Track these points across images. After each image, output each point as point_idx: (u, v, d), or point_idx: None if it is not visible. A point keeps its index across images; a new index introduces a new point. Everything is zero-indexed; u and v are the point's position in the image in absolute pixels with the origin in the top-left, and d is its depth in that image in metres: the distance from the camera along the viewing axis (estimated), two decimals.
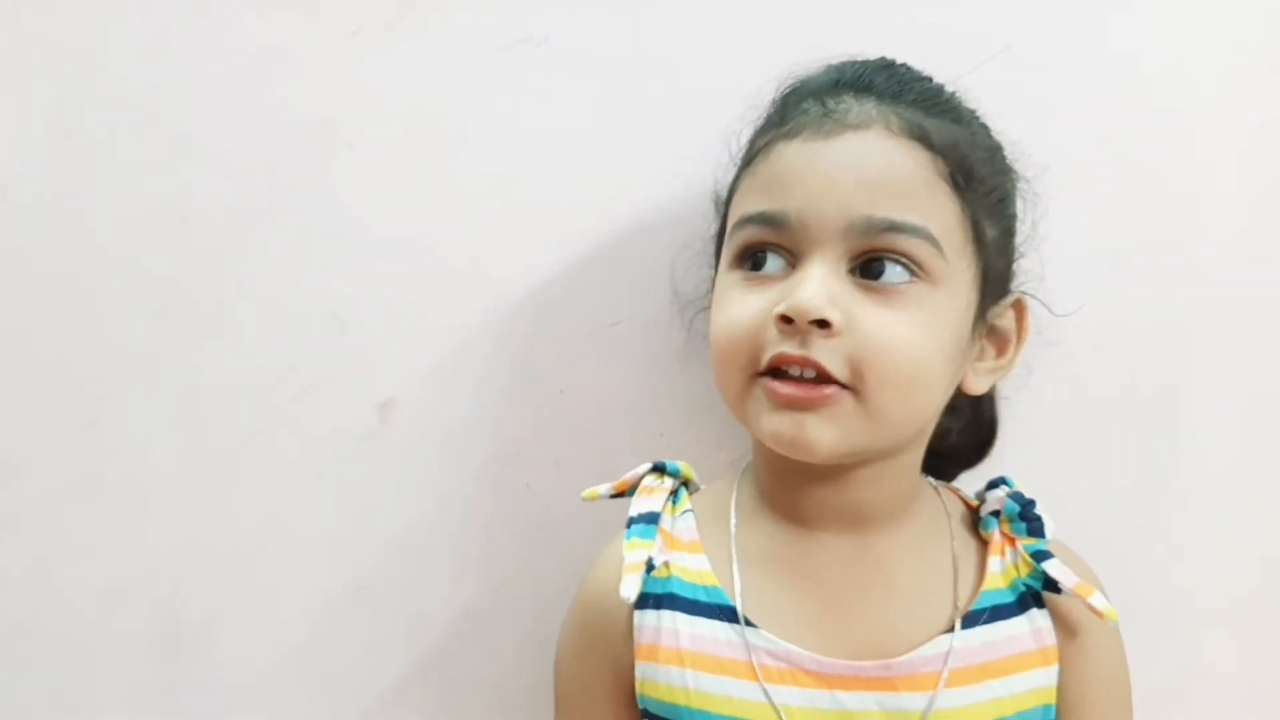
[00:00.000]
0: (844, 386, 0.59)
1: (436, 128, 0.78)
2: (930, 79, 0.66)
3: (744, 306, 0.62)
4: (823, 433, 0.60)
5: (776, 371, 0.60)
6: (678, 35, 0.78)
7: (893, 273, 0.60)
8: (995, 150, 0.66)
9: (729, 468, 0.73)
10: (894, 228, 0.59)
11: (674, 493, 0.68)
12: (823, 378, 0.59)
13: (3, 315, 0.80)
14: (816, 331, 0.58)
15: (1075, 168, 0.72)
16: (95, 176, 0.79)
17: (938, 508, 0.69)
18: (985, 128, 0.67)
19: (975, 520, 0.69)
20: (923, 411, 0.63)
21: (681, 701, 0.63)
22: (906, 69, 0.66)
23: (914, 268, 0.60)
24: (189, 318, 0.79)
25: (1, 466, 0.80)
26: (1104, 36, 0.77)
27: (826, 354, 0.59)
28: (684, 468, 0.70)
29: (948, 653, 0.63)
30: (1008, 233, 0.67)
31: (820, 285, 0.59)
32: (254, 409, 0.79)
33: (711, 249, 0.72)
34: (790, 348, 0.59)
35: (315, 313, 0.79)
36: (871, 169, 0.60)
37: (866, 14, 0.76)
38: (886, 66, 0.66)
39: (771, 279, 0.62)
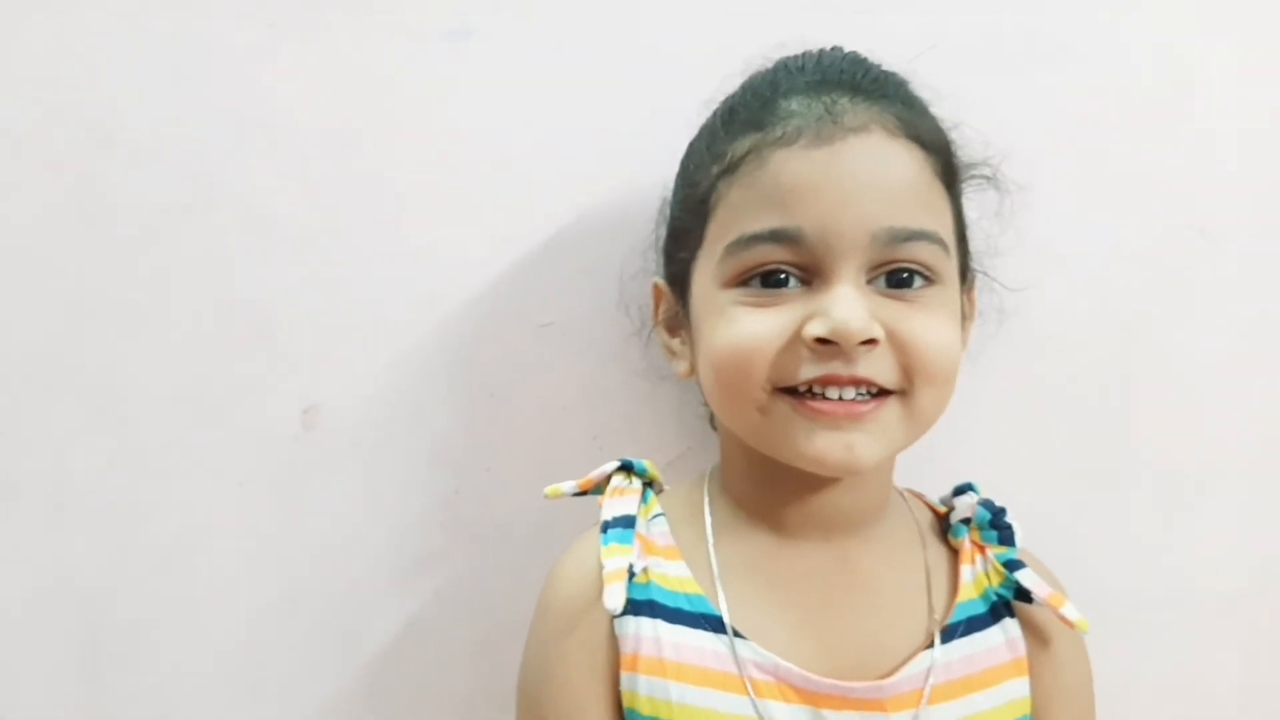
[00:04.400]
0: (891, 392, 0.59)
1: (361, 123, 0.76)
2: (893, 71, 0.64)
3: (759, 325, 0.59)
4: (869, 449, 0.59)
5: (809, 391, 0.59)
6: (611, 29, 0.76)
7: (915, 281, 0.60)
8: (953, 142, 0.65)
9: (664, 471, 0.71)
10: (914, 236, 0.59)
11: (641, 494, 0.66)
12: (867, 390, 0.59)
13: None
14: (861, 349, 0.58)
15: (1016, 161, 0.70)
16: (6, 171, 0.76)
17: (906, 514, 0.68)
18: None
19: (943, 527, 0.68)
20: (947, 406, 0.63)
21: (664, 715, 0.60)
22: (868, 61, 0.64)
23: (929, 273, 0.60)
24: (107, 319, 0.77)
25: None
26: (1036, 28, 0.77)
27: (875, 368, 0.58)
28: (650, 467, 0.68)
29: (929, 668, 0.62)
30: (965, 221, 0.67)
31: (856, 304, 0.58)
32: (176, 413, 0.77)
33: (657, 252, 0.70)
34: (838, 368, 0.58)
35: (239, 314, 0.77)
36: (885, 176, 0.59)
37: (795, 6, 0.75)
38: (857, 60, 0.63)
39: (784, 296, 0.59)
